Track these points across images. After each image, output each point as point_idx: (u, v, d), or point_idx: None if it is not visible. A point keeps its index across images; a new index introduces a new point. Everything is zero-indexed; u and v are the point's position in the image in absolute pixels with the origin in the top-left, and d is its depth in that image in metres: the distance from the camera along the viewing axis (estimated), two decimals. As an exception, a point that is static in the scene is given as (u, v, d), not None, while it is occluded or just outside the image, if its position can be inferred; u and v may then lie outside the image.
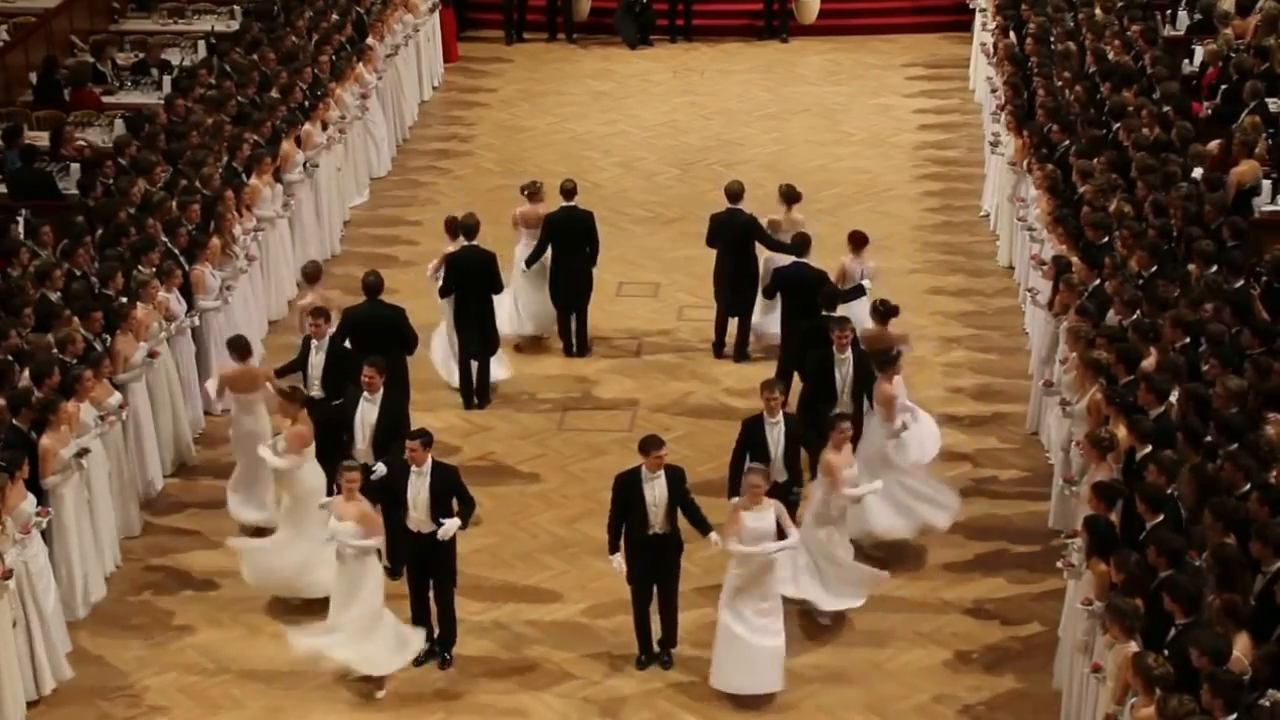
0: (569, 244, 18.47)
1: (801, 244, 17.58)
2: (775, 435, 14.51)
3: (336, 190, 21.49)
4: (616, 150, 24.36)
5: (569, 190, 18.55)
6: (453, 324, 17.84)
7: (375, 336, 16.16)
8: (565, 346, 18.91)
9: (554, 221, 18.43)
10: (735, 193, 18.43)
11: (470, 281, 17.48)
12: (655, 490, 13.68)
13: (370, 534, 13.62)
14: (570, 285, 18.61)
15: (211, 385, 16.36)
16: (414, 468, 13.74)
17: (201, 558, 15.61)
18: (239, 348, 15.82)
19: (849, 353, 15.46)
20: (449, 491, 13.86)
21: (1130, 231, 16.50)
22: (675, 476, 13.79)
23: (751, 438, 14.58)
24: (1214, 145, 18.99)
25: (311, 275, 17.15)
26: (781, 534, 13.51)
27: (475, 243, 17.69)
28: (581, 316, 18.84)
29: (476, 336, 17.68)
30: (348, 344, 16.11)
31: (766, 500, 13.52)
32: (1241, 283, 15.67)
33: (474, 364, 17.83)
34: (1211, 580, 11.88)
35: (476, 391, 17.90)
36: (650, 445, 13.74)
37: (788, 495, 14.29)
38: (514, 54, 28.23)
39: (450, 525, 13.76)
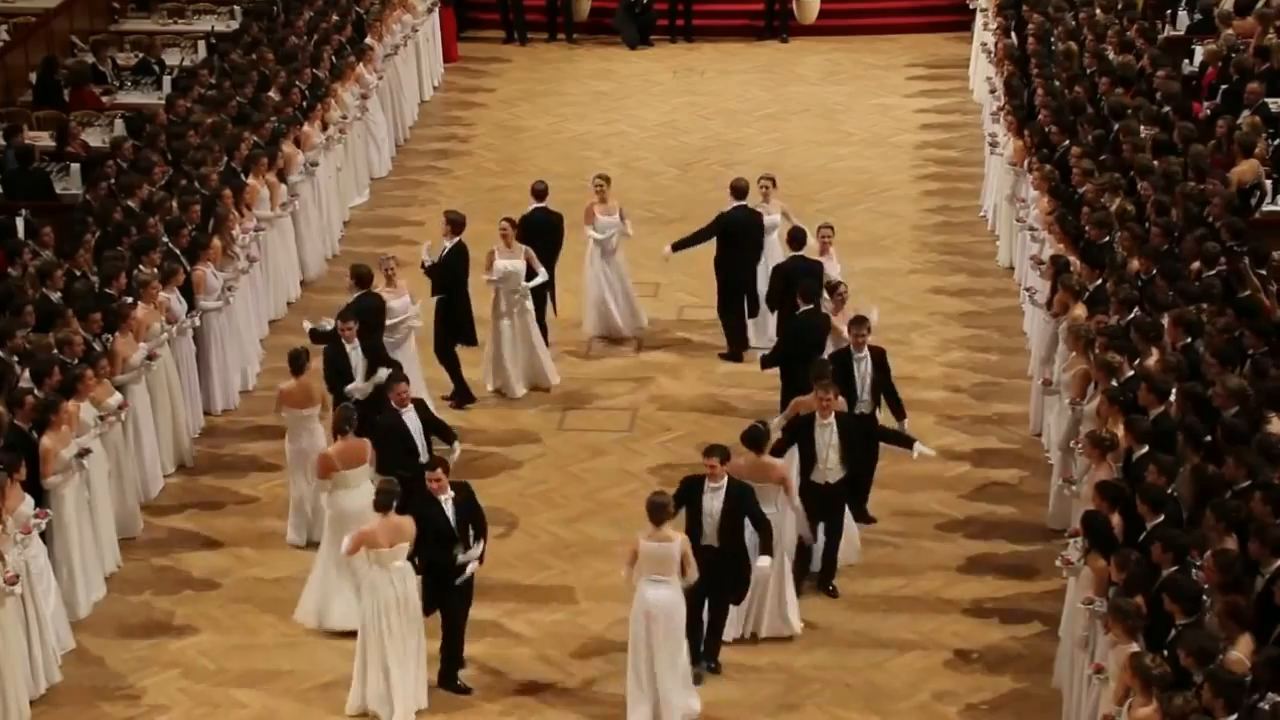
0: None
1: (799, 238, 17.54)
2: (827, 436, 14.39)
3: (336, 190, 21.50)
4: (616, 150, 24.35)
5: (540, 192, 18.53)
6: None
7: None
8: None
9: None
10: (742, 189, 18.41)
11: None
12: (713, 502, 13.36)
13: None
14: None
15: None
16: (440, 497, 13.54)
17: (201, 558, 15.60)
18: (296, 362, 15.44)
19: (866, 351, 15.33)
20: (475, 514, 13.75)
21: (1131, 234, 16.50)
22: (736, 492, 13.37)
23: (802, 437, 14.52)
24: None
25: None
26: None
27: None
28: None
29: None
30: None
31: (671, 531, 13.03)
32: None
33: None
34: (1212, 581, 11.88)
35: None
36: (706, 453, 13.44)
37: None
38: (514, 54, 28.25)
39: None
